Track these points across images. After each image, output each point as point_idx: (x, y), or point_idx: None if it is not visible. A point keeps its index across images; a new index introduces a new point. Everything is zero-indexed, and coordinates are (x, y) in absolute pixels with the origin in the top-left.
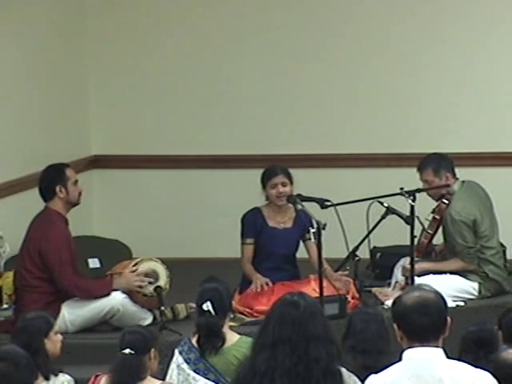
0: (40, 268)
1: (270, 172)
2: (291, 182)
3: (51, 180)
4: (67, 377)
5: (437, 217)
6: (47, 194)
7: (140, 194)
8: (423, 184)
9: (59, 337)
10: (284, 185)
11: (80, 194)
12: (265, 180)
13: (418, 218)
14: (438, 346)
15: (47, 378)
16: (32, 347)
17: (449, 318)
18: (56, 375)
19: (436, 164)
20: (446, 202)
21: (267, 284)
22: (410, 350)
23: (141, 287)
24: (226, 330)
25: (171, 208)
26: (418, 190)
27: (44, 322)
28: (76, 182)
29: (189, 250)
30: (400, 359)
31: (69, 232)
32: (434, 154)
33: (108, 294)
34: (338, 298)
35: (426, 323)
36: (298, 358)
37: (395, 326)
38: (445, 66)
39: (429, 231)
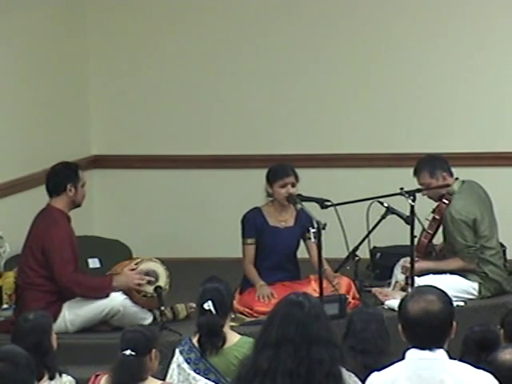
0: (43, 266)
1: (281, 171)
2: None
3: (64, 177)
4: (70, 378)
5: (437, 217)
6: (56, 190)
7: (140, 194)
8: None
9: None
10: (293, 186)
11: (84, 196)
12: (274, 178)
13: (418, 219)
14: (441, 347)
15: (52, 378)
16: (42, 346)
17: (454, 323)
18: (60, 375)
19: (430, 166)
20: (446, 201)
21: (271, 296)
22: (413, 349)
23: (140, 285)
24: (226, 330)
25: (171, 208)
26: (418, 190)
27: (48, 321)
28: (84, 184)
29: (189, 250)
30: (403, 358)
31: (72, 230)
32: (427, 156)
33: (107, 295)
34: (338, 298)
35: (428, 334)
36: (300, 359)
37: (400, 327)
38: (445, 67)
39: (429, 231)
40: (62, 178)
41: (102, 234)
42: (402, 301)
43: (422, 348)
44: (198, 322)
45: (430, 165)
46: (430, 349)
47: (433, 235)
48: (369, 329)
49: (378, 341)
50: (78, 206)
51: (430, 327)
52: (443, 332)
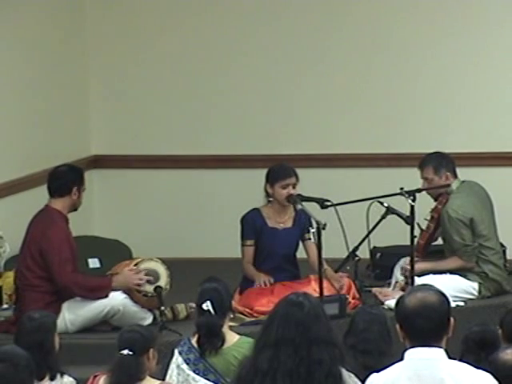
0: (41, 267)
1: (283, 172)
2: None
3: (72, 179)
4: (71, 379)
5: (435, 215)
6: (60, 191)
7: (140, 194)
8: (423, 181)
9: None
10: (294, 186)
11: (81, 202)
12: (275, 178)
13: (418, 224)
14: (440, 347)
15: (53, 379)
16: (46, 346)
17: (452, 319)
18: (61, 376)
19: (437, 162)
20: (444, 200)
21: (269, 281)
22: (411, 349)
23: (139, 285)
24: (225, 330)
25: (171, 208)
26: (418, 190)
27: (53, 321)
28: (85, 189)
29: (189, 250)
30: (402, 359)
31: (69, 231)
32: (437, 152)
33: (106, 296)
34: (338, 298)
35: (426, 327)
36: (300, 359)
37: (397, 326)
38: (445, 66)
39: (427, 230)
40: (68, 180)
41: (101, 234)
42: (398, 300)
43: (421, 345)
44: (197, 323)
45: (436, 161)
46: (430, 346)
47: (432, 234)
48: (371, 329)
49: (380, 342)
50: (75, 210)
51: (429, 319)
52: (442, 325)
